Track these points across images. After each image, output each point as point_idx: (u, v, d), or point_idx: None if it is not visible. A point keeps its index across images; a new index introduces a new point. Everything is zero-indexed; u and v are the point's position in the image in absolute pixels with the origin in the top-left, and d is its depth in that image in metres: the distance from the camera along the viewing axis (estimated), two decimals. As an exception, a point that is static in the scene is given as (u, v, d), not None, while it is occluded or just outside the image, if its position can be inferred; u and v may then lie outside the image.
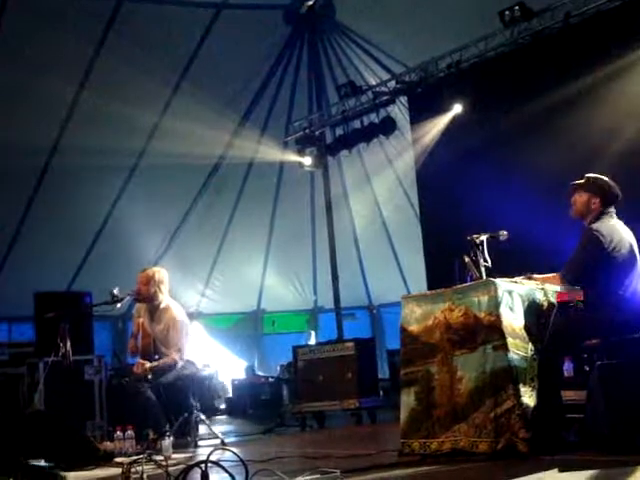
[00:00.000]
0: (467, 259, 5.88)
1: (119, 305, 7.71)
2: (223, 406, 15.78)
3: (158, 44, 13.17)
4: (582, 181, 5.65)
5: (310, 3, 14.34)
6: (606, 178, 5.65)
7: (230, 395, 16.03)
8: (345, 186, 17.72)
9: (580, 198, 5.60)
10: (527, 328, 5.23)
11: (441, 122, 11.54)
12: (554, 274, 5.53)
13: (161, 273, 8.09)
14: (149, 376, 7.47)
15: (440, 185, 11.29)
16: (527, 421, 4.95)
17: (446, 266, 6.37)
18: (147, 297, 7.94)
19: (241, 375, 16.97)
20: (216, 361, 17.01)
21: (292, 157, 14.55)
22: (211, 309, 18.29)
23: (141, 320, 8.00)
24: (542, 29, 10.11)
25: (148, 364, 7.53)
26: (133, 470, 4.63)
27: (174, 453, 6.74)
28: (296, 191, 17.31)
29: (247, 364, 17.28)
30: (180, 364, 7.70)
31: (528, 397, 5.05)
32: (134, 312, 8.50)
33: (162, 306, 7.95)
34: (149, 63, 13.06)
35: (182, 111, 13.98)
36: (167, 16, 12.96)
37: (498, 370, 5.08)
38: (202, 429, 8.31)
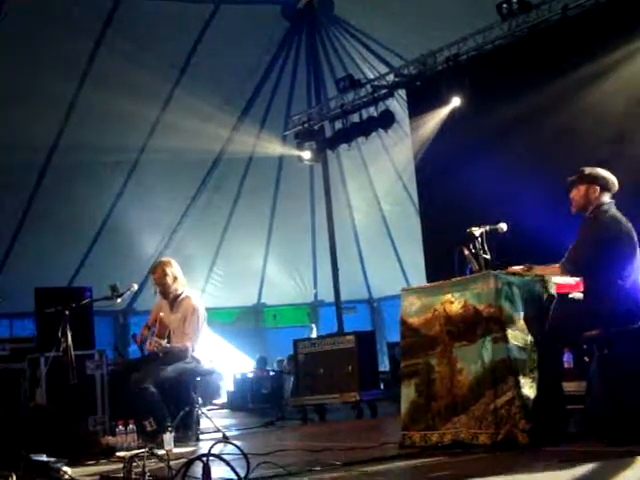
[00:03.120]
0: (466, 251, 5.89)
1: (119, 300, 7.73)
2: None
3: (157, 40, 13.18)
4: (577, 176, 5.68)
5: (308, -2, 14.38)
6: (600, 169, 5.69)
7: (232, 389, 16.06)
8: (344, 180, 17.75)
9: (578, 192, 5.63)
10: (527, 320, 5.24)
11: (440, 115, 11.53)
12: (554, 265, 5.55)
13: (170, 263, 8.14)
14: (160, 354, 7.47)
15: (439, 178, 11.30)
16: (527, 412, 4.96)
17: (445, 259, 6.38)
18: (168, 291, 8.00)
19: (249, 368, 16.94)
20: (219, 355, 17.06)
21: (291, 151, 14.56)
22: (212, 303, 18.27)
23: (161, 314, 7.99)
24: (540, 22, 10.10)
25: (164, 342, 7.54)
26: (135, 464, 4.65)
27: (176, 447, 6.76)
28: (296, 185, 17.33)
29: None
30: (190, 353, 7.71)
31: (528, 388, 5.07)
32: (154, 307, 8.47)
33: (182, 296, 8.01)
34: (148, 59, 13.07)
35: (182, 107, 13.99)
36: (166, 12, 12.97)
37: (498, 362, 5.10)
38: (203, 423, 8.32)
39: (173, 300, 8.03)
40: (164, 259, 8.52)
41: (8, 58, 12.10)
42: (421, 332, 5.64)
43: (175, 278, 8.01)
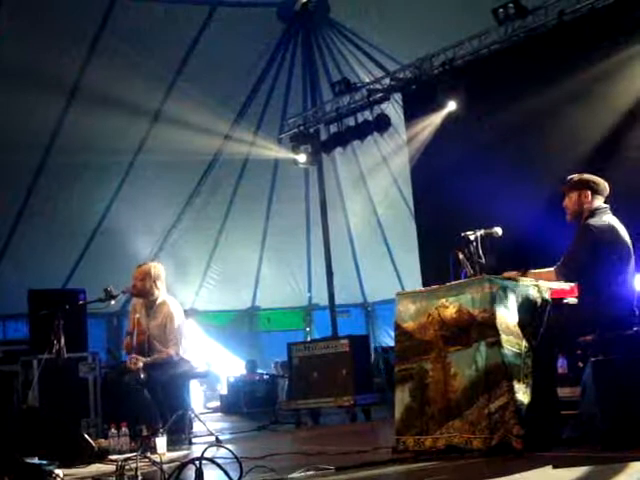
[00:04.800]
0: (461, 256, 5.89)
1: (113, 302, 7.71)
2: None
3: (153, 42, 13.16)
4: (567, 184, 5.69)
5: (304, 0, 14.34)
6: (588, 174, 5.70)
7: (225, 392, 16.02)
8: (340, 183, 17.75)
9: (570, 199, 5.65)
10: (521, 324, 5.23)
11: (435, 119, 11.55)
12: (549, 269, 5.56)
13: (157, 268, 8.10)
14: (142, 375, 7.45)
15: (434, 182, 11.31)
16: (521, 417, 4.95)
17: (440, 263, 6.39)
18: (143, 292, 7.95)
19: (241, 371, 16.96)
20: (213, 358, 17.06)
21: (287, 154, 14.55)
22: (206, 306, 18.29)
23: (137, 316, 8.00)
24: (536, 27, 10.13)
25: (142, 361, 7.52)
26: (127, 467, 4.63)
27: (168, 450, 6.74)
28: (291, 188, 17.33)
29: (248, 358, 17.24)
30: (176, 359, 7.69)
31: (522, 393, 5.05)
32: (130, 309, 8.50)
33: (159, 301, 7.97)
34: (144, 61, 13.05)
35: (177, 109, 13.97)
36: (161, 14, 12.94)
37: (492, 367, 5.09)
38: (196, 426, 8.30)
39: (149, 305, 8.00)
40: (154, 264, 8.47)
41: (6, 58, 12.07)
42: (415, 336, 5.62)
43: (155, 282, 7.96)
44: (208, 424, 8.19)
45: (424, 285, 10.34)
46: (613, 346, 5.24)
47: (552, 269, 5.52)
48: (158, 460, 4.98)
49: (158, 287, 7.98)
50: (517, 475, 4.19)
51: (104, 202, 15.48)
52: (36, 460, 5.37)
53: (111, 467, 5.28)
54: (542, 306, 5.40)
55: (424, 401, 5.47)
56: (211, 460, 4.29)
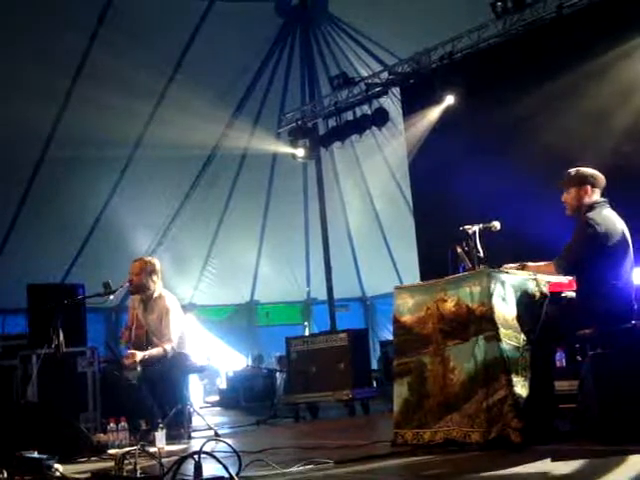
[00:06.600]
0: (460, 250, 5.89)
1: (112, 297, 7.70)
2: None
3: (151, 36, 13.13)
4: (565, 179, 5.68)
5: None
6: (586, 168, 5.69)
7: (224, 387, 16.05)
8: (338, 178, 17.75)
9: (569, 195, 5.63)
10: (519, 318, 5.24)
11: (434, 113, 11.53)
12: (548, 262, 5.55)
13: (153, 263, 8.09)
14: (138, 368, 7.45)
15: (432, 176, 11.29)
16: (520, 411, 4.96)
17: (439, 257, 6.38)
18: (139, 287, 7.95)
19: (243, 365, 16.99)
20: (212, 352, 17.10)
21: (285, 149, 14.54)
22: (205, 301, 18.30)
23: (136, 312, 8.01)
24: (534, 20, 10.11)
25: (138, 355, 7.51)
26: (126, 462, 4.63)
27: (167, 444, 6.74)
28: (289, 183, 17.33)
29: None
30: (170, 354, 7.68)
31: (521, 387, 5.06)
32: (129, 303, 8.50)
33: (155, 296, 7.96)
34: (142, 55, 13.03)
35: (176, 103, 13.96)
36: (160, 7, 12.92)
37: (490, 360, 5.10)
38: (195, 420, 8.31)
39: (146, 300, 8.01)
40: (149, 258, 8.45)
41: (4, 51, 12.05)
42: (414, 330, 5.63)
43: (151, 276, 7.96)
44: (207, 418, 8.21)
45: (422, 279, 10.34)
46: (611, 340, 5.25)
47: (551, 262, 5.52)
48: (157, 454, 4.98)
49: (154, 281, 7.98)
50: (515, 468, 4.20)
51: (103, 196, 15.47)
52: (35, 455, 5.36)
53: (110, 461, 5.28)
54: (540, 300, 5.41)
55: (423, 395, 5.49)
56: (210, 454, 4.29)
